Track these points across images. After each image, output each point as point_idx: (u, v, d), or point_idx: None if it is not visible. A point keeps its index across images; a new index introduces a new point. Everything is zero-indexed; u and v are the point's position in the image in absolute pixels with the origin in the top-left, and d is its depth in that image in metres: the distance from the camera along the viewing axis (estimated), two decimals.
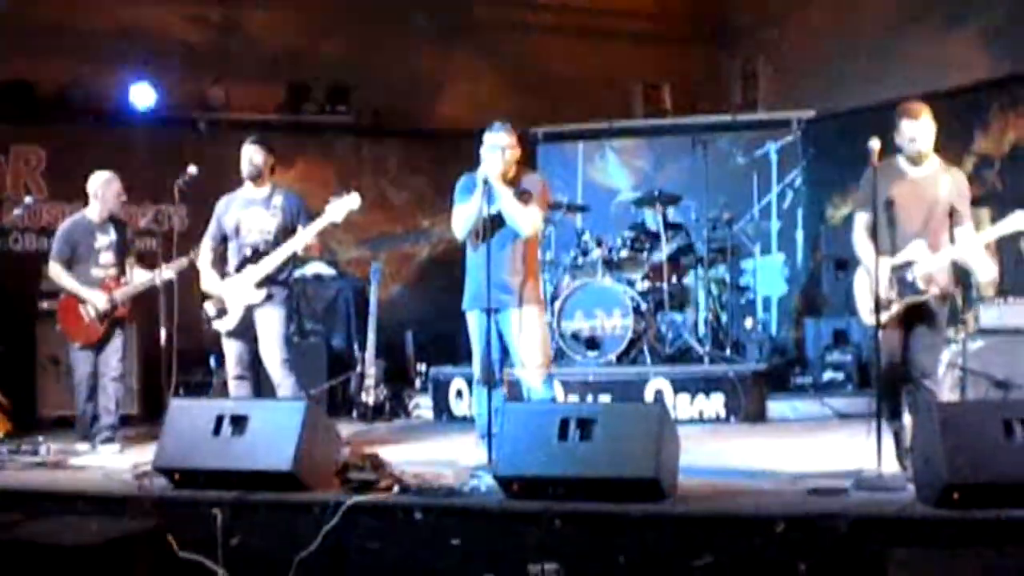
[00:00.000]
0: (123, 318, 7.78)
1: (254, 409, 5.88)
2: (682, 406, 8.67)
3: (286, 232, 7.07)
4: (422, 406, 9.71)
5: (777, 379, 9.32)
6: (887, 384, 5.85)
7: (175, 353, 6.67)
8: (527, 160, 6.76)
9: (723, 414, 8.66)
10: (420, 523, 5.26)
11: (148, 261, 7.88)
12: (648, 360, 9.13)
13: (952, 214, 5.87)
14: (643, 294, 9.40)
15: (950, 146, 9.07)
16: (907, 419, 5.78)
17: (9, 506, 5.73)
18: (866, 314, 5.90)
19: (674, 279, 9.62)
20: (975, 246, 5.83)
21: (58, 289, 7.87)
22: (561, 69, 11.91)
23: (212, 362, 9.03)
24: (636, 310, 9.13)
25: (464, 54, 11.94)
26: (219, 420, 5.75)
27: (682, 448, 5.60)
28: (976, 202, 8.37)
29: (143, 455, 6.54)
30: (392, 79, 11.41)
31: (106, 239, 7.82)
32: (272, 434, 5.66)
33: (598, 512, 5.11)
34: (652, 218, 9.90)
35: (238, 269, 7.10)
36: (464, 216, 6.37)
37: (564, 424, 5.32)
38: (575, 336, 9.22)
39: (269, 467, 5.57)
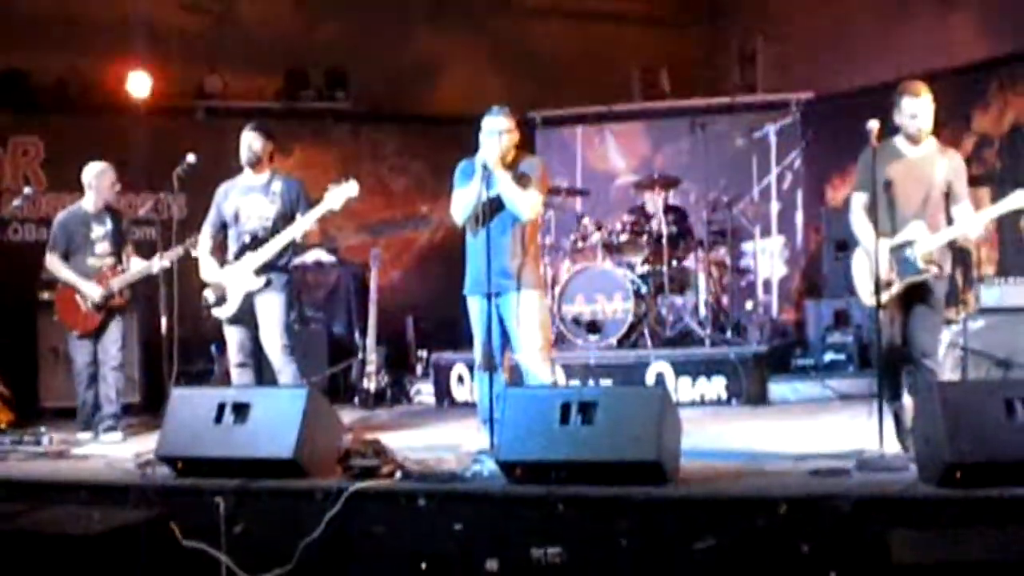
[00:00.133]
0: (121, 307, 7.80)
1: (256, 397, 5.88)
2: (683, 389, 8.67)
3: (285, 219, 7.06)
4: (423, 392, 9.71)
5: (778, 361, 9.31)
6: (887, 365, 5.85)
7: (176, 342, 6.67)
8: (526, 144, 6.73)
9: (724, 397, 8.66)
10: (423, 509, 5.27)
11: (148, 250, 7.88)
12: (649, 343, 9.13)
13: (949, 195, 5.87)
14: (643, 277, 9.40)
15: (950, 125, 9.09)
16: (907, 399, 5.79)
17: (12, 496, 5.74)
18: (866, 295, 5.91)
19: (674, 262, 9.62)
20: (974, 224, 5.83)
21: (58, 279, 7.88)
22: (559, 53, 11.90)
23: (213, 350, 9.03)
24: (637, 293, 9.13)
25: (462, 39, 11.92)
26: (221, 408, 5.76)
27: (684, 431, 5.59)
28: (976, 181, 8.38)
29: (145, 444, 6.55)
30: (390, 65, 11.40)
31: (102, 229, 7.83)
32: (274, 422, 5.66)
33: (600, 496, 5.12)
34: (652, 201, 9.89)
35: (237, 256, 7.10)
36: (463, 201, 6.36)
37: (566, 408, 5.32)
38: (576, 320, 9.22)
39: (271, 455, 5.58)
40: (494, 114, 6.36)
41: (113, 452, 6.84)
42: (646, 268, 9.53)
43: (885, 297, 5.71)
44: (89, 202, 7.87)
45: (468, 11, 11.88)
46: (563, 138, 11.96)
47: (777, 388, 8.81)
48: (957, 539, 4.50)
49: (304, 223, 6.99)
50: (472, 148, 6.36)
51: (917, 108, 5.82)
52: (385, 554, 5.27)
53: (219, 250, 7.24)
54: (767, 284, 10.98)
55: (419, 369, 10.26)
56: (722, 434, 7.13)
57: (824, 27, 11.12)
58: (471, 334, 6.57)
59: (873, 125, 5.65)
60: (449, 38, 11.86)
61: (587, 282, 9.25)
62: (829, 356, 9.37)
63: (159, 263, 7.37)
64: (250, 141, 7.18)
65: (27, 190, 8.89)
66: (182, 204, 9.06)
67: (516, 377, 6.54)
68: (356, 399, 9.44)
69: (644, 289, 9.27)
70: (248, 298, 7.05)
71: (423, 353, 10.26)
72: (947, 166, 5.87)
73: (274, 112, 10.94)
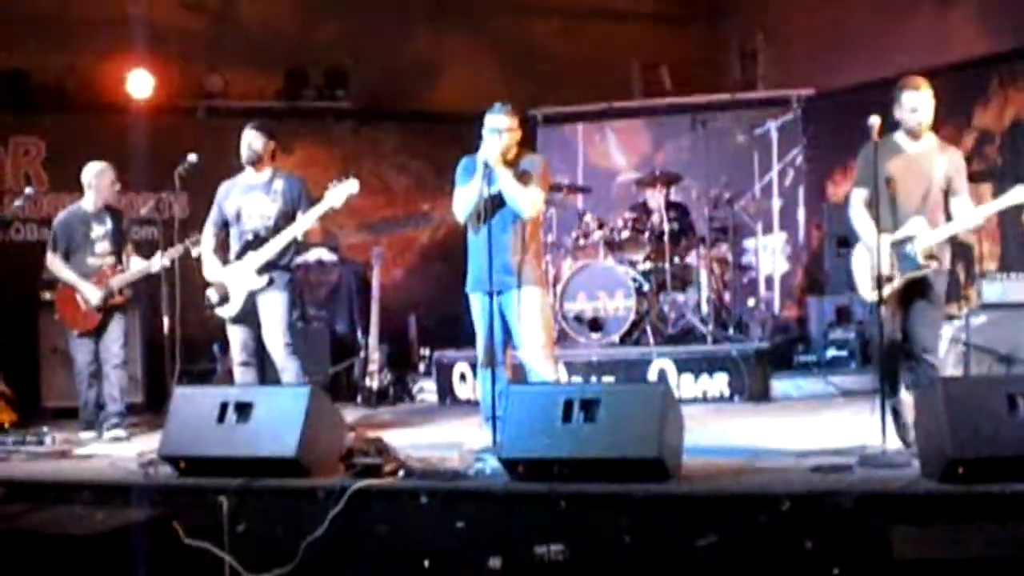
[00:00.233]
0: (122, 305, 7.81)
1: (258, 396, 5.89)
2: (686, 386, 8.67)
3: (286, 217, 7.06)
4: (426, 390, 9.72)
5: (780, 358, 9.31)
6: (887, 360, 5.85)
7: (178, 341, 6.68)
8: (527, 142, 6.74)
9: (727, 393, 8.66)
10: (425, 507, 5.27)
11: (149, 249, 7.88)
12: (651, 340, 9.13)
13: (948, 191, 5.87)
14: (645, 275, 9.40)
15: (951, 122, 9.09)
16: (905, 395, 5.79)
17: (15, 497, 5.75)
18: (866, 291, 5.91)
19: (676, 259, 9.61)
20: (973, 219, 5.83)
21: (59, 279, 7.88)
22: (560, 51, 11.90)
23: (216, 350, 9.04)
24: (638, 291, 9.13)
25: (462, 37, 11.91)
26: (223, 407, 5.75)
27: (686, 428, 5.59)
28: (977, 177, 8.37)
29: (148, 443, 6.55)
30: (390, 63, 11.39)
31: (102, 229, 7.84)
32: (276, 420, 5.66)
33: (603, 493, 5.12)
34: (653, 198, 9.89)
35: (239, 255, 7.10)
36: (465, 199, 6.36)
37: (568, 406, 5.32)
38: (578, 318, 9.24)
39: (274, 453, 5.58)
40: (496, 112, 6.35)
41: (116, 451, 6.84)
42: (648, 265, 9.53)
43: (885, 292, 5.71)
44: (89, 201, 7.89)
45: (468, 9, 11.87)
46: (564, 135, 11.95)
47: (779, 384, 8.81)
48: (959, 535, 4.50)
49: (305, 221, 6.99)
50: (473, 146, 6.36)
51: (917, 102, 5.82)
52: (388, 552, 5.28)
53: (222, 249, 7.24)
54: (769, 281, 10.97)
55: (421, 367, 10.25)
56: (724, 431, 7.14)
57: (824, 24, 11.10)
58: (473, 332, 6.57)
59: (874, 121, 5.65)
60: (449, 36, 11.86)
61: (589, 279, 9.26)
62: (831, 352, 9.35)
63: (159, 262, 7.38)
64: (250, 140, 7.18)
65: (28, 190, 8.90)
66: (183, 203, 9.06)
67: (519, 375, 6.54)
68: (359, 397, 9.45)
69: (646, 286, 9.27)
70: (251, 297, 7.06)
71: (425, 351, 10.26)
72: (947, 162, 5.87)
73: (275, 111, 10.92)
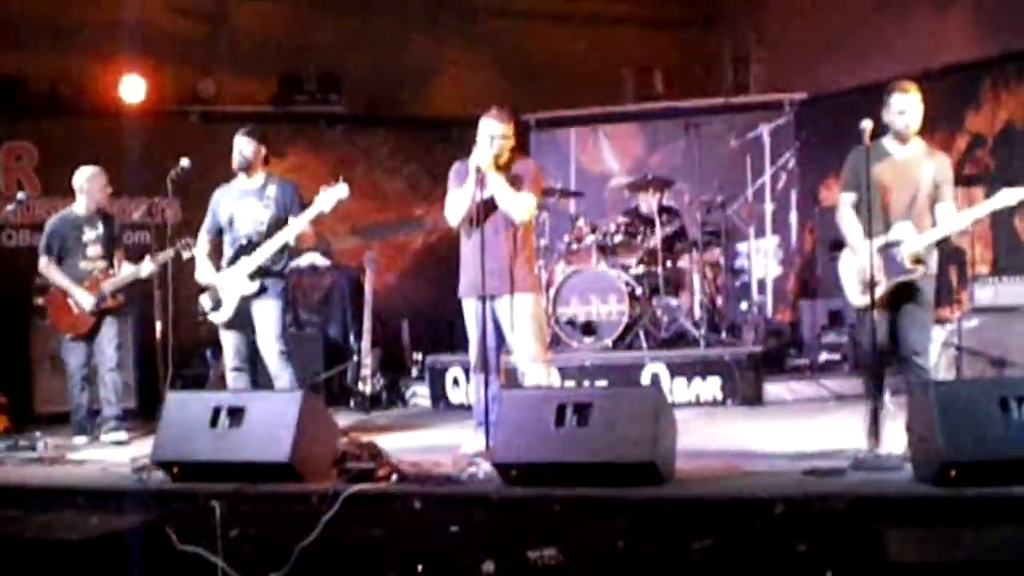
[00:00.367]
0: (115, 308, 7.80)
1: (251, 401, 5.86)
2: (679, 390, 8.67)
3: (279, 223, 7.06)
4: (419, 394, 9.71)
5: (773, 361, 9.33)
6: (874, 364, 5.87)
7: (171, 346, 6.67)
8: (520, 147, 6.74)
9: (720, 397, 8.66)
10: (419, 511, 5.26)
11: (142, 254, 7.85)
12: (644, 345, 9.15)
13: (935, 195, 5.88)
14: (638, 279, 9.40)
15: (942, 125, 9.11)
16: (888, 401, 5.80)
17: (8, 503, 5.72)
18: (853, 294, 5.94)
19: (669, 263, 9.62)
20: (958, 223, 5.84)
21: (51, 284, 7.88)
22: (552, 55, 11.90)
23: (208, 356, 9.03)
24: (631, 295, 9.14)
25: (455, 42, 11.93)
26: (216, 412, 5.73)
27: (679, 432, 5.60)
28: (969, 181, 8.38)
29: (141, 448, 6.54)
30: (383, 68, 11.41)
31: (93, 233, 7.84)
32: (269, 425, 5.64)
33: (596, 497, 5.11)
34: (646, 203, 9.90)
35: (232, 261, 7.10)
36: (457, 203, 6.36)
37: (561, 410, 5.31)
38: (571, 322, 9.23)
39: (267, 458, 5.56)
40: (491, 117, 6.36)
41: (112, 455, 6.83)
42: (640, 269, 9.54)
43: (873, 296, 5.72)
44: (81, 206, 7.89)
45: (461, 14, 11.89)
46: (557, 140, 11.97)
47: (772, 388, 8.81)
48: (952, 538, 4.50)
49: (296, 226, 6.99)
50: (466, 151, 6.36)
51: (905, 104, 5.83)
52: (381, 557, 5.26)
53: (216, 254, 7.24)
54: (762, 285, 10.98)
55: (414, 372, 10.24)
56: (717, 435, 7.15)
57: (817, 28, 11.13)
58: (466, 336, 6.57)
59: (867, 124, 5.66)
60: (442, 41, 11.87)
61: (582, 284, 9.26)
62: (824, 356, 9.36)
63: (148, 266, 7.38)
64: (241, 147, 7.18)
65: (20, 195, 8.84)
66: (176, 208, 9.07)
67: (512, 379, 6.54)
68: (352, 402, 9.44)
69: (639, 290, 9.28)
70: (244, 303, 7.05)
71: (418, 356, 10.25)
72: (934, 168, 5.89)
73: (268, 116, 10.93)
